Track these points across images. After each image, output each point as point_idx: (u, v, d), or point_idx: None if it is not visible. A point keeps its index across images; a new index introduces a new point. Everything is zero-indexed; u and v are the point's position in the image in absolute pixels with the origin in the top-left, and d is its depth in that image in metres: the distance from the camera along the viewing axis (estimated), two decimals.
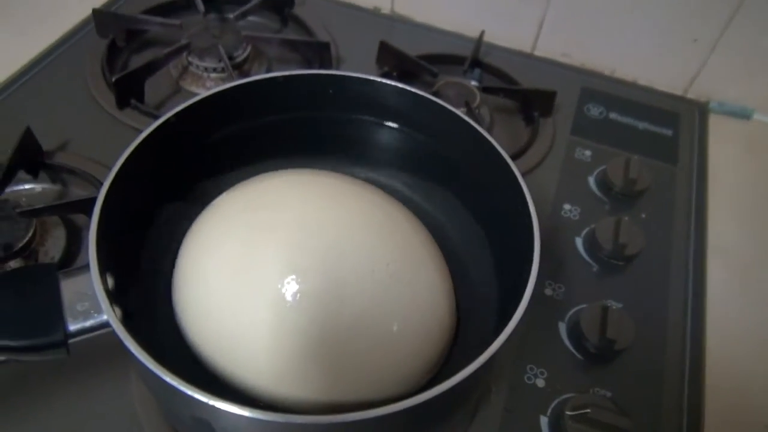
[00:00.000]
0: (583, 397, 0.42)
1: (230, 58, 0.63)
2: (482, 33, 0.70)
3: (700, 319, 0.50)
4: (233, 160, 0.45)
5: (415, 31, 0.74)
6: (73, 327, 0.32)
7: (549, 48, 0.73)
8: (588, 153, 0.61)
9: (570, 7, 0.68)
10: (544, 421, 0.42)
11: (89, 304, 0.32)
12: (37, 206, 0.47)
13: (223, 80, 0.63)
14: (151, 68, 0.60)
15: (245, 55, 0.65)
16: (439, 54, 0.69)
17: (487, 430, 0.42)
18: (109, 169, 0.35)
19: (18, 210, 0.46)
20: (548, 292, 0.49)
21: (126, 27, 0.66)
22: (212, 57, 0.63)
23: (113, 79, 0.58)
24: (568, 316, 0.48)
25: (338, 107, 0.46)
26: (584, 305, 0.47)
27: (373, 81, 0.44)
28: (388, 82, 0.44)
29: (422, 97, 0.43)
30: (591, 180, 0.59)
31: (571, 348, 0.46)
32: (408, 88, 0.43)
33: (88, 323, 0.32)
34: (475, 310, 0.41)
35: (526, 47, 0.73)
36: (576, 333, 0.46)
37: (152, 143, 0.38)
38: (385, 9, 0.77)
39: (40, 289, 0.33)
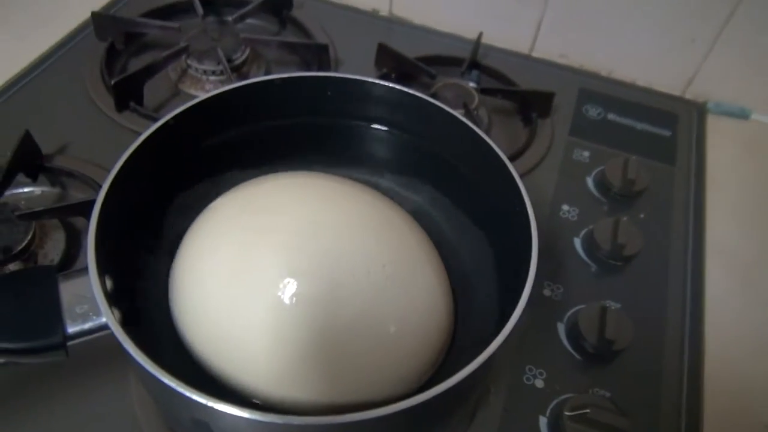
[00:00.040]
0: (582, 398, 0.42)
1: (229, 60, 0.63)
2: (480, 35, 0.70)
3: (699, 319, 0.50)
4: (232, 162, 0.45)
5: (414, 33, 0.75)
6: (71, 329, 0.32)
7: (547, 49, 0.73)
8: (586, 154, 0.61)
9: (568, 9, 0.69)
10: (543, 421, 0.42)
11: (88, 306, 0.32)
12: (36, 209, 0.47)
13: (222, 83, 0.63)
14: (150, 71, 0.60)
15: (244, 57, 0.65)
16: (437, 56, 0.69)
17: (486, 430, 0.42)
18: (108, 171, 0.36)
19: (17, 213, 0.46)
20: (547, 292, 0.50)
21: (125, 30, 0.66)
22: (211, 60, 0.63)
23: (112, 82, 0.58)
24: (566, 316, 0.48)
25: (337, 109, 0.46)
26: (583, 306, 0.48)
27: (372, 83, 0.44)
28: (387, 84, 0.44)
29: (420, 98, 0.43)
30: (589, 180, 0.59)
31: (569, 348, 0.46)
32: (406, 89, 0.44)
33: (87, 325, 0.32)
34: (473, 310, 0.41)
35: (524, 48, 0.74)
36: (575, 333, 0.46)
37: (151, 146, 0.38)
38: (384, 11, 0.77)
39: (38, 292, 0.33)
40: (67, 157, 0.54)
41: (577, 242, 0.53)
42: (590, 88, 0.69)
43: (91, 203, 0.34)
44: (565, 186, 0.58)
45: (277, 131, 0.46)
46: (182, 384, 0.27)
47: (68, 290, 0.33)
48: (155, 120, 0.39)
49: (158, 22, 0.67)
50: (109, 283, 0.32)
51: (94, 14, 0.65)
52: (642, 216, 0.56)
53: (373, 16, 0.77)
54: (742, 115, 0.69)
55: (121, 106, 0.59)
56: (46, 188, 0.53)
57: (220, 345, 0.35)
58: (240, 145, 0.45)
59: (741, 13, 0.62)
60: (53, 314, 0.32)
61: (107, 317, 0.30)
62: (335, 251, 0.35)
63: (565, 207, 0.56)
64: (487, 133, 0.42)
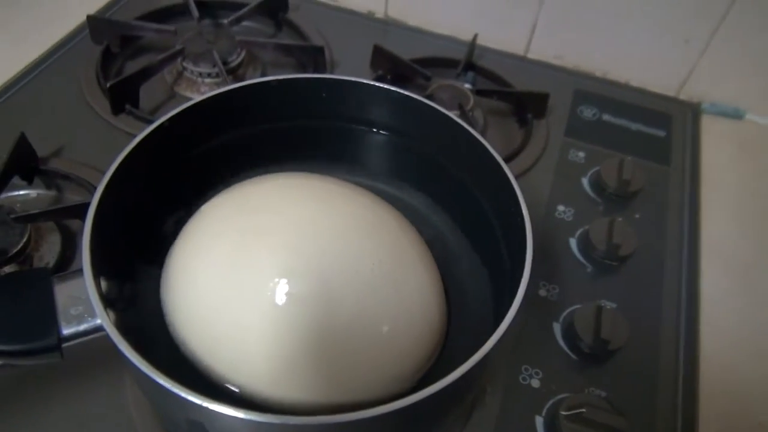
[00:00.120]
0: (578, 397, 0.42)
1: (224, 63, 0.63)
2: (475, 36, 0.70)
3: (694, 319, 0.50)
4: (227, 164, 0.45)
5: (409, 35, 0.75)
6: (66, 331, 0.32)
7: (542, 50, 0.73)
8: (581, 154, 0.62)
9: (562, 10, 0.69)
10: (539, 421, 0.42)
11: (83, 308, 0.32)
12: (31, 212, 0.47)
13: (218, 85, 0.63)
14: (145, 74, 0.60)
15: (239, 59, 0.65)
16: (433, 57, 0.69)
17: (483, 430, 0.42)
18: (103, 173, 0.36)
19: (12, 216, 0.46)
20: (542, 293, 0.50)
21: (120, 33, 0.66)
22: (207, 62, 0.63)
23: (108, 85, 0.58)
24: (562, 316, 0.48)
25: (332, 111, 0.46)
26: (578, 306, 0.48)
27: (367, 84, 0.44)
28: (382, 85, 0.44)
29: (416, 100, 0.44)
30: (585, 181, 0.59)
31: (565, 348, 0.46)
32: (401, 91, 0.44)
33: (82, 327, 0.32)
34: (468, 311, 0.41)
35: (519, 50, 0.74)
36: (570, 333, 0.46)
37: (146, 148, 0.38)
38: (379, 13, 0.77)
39: (33, 294, 0.33)
40: (63, 160, 0.54)
41: (573, 242, 0.54)
42: (585, 89, 0.69)
43: (87, 205, 0.34)
44: (561, 186, 0.58)
45: (273, 133, 0.46)
46: (177, 384, 0.27)
47: (63, 292, 0.33)
48: (151, 122, 0.39)
49: (154, 25, 0.67)
50: (103, 285, 0.32)
51: (89, 17, 0.65)
52: (637, 216, 0.56)
53: (368, 18, 0.77)
54: (737, 115, 0.69)
55: (116, 108, 0.59)
56: (41, 191, 0.53)
57: (214, 345, 0.35)
58: (235, 146, 0.45)
59: (735, 13, 0.63)
60: (48, 316, 0.32)
61: (102, 319, 0.30)
62: (330, 252, 0.35)
63: (561, 207, 0.56)
64: (483, 134, 0.43)
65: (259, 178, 0.43)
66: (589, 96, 0.69)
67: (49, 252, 0.48)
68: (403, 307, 0.36)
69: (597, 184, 0.58)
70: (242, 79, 0.64)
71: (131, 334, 0.29)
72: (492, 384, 0.44)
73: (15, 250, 0.45)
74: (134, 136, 0.38)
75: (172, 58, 0.62)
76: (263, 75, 0.67)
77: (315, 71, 0.66)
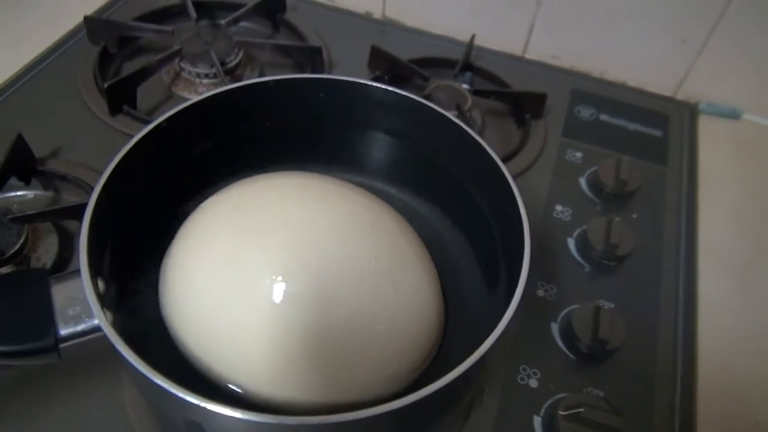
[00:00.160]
0: (576, 397, 0.42)
1: (222, 63, 0.63)
2: (473, 37, 0.70)
3: (692, 318, 0.50)
4: (225, 164, 0.45)
5: (407, 36, 0.75)
6: (64, 331, 0.32)
7: (539, 51, 0.73)
8: (579, 154, 0.62)
9: (560, 10, 0.69)
10: (537, 421, 0.42)
11: (80, 308, 0.32)
12: (28, 212, 0.47)
13: (216, 85, 0.63)
14: (143, 74, 0.60)
15: (237, 60, 0.65)
16: (431, 58, 0.69)
17: (481, 430, 0.42)
18: (100, 174, 0.36)
19: (10, 216, 0.46)
20: (540, 293, 0.50)
21: (118, 34, 0.66)
22: (204, 63, 0.63)
23: (105, 86, 0.58)
24: (560, 316, 0.48)
25: (329, 111, 0.46)
26: (576, 305, 0.48)
27: (365, 85, 0.44)
28: (380, 85, 0.44)
29: (413, 100, 0.44)
30: (582, 181, 0.59)
31: (563, 348, 0.46)
32: (399, 91, 0.44)
33: (80, 327, 0.32)
34: (466, 311, 0.41)
35: (516, 50, 0.74)
36: (568, 333, 0.46)
37: (144, 148, 0.38)
38: (377, 14, 0.77)
39: (31, 294, 0.33)
40: (60, 161, 0.54)
41: (571, 242, 0.54)
42: (582, 89, 0.70)
43: (84, 206, 0.34)
44: (558, 187, 0.58)
45: (270, 133, 0.46)
46: (174, 384, 0.27)
47: (60, 293, 0.33)
48: (148, 123, 0.39)
49: (151, 26, 0.67)
50: (101, 286, 0.32)
51: (87, 18, 0.65)
52: (635, 216, 0.56)
53: (366, 18, 0.77)
54: (734, 115, 0.69)
55: (114, 109, 0.59)
56: (38, 191, 0.53)
57: (211, 345, 0.35)
58: (233, 147, 0.45)
59: (731, 13, 0.63)
60: (46, 317, 0.32)
61: (99, 319, 0.30)
62: (328, 251, 0.35)
63: (559, 207, 0.56)
64: (481, 134, 0.43)
65: (256, 178, 0.43)
66: (587, 96, 0.69)
67: (46, 253, 0.48)
68: (401, 307, 0.36)
69: (594, 184, 0.58)
70: (240, 80, 0.65)
71: (128, 334, 0.29)
72: (490, 384, 0.44)
73: (12, 251, 0.45)
74: (132, 136, 0.38)
75: (170, 58, 0.62)
76: (261, 75, 0.67)
77: (313, 72, 0.66)
